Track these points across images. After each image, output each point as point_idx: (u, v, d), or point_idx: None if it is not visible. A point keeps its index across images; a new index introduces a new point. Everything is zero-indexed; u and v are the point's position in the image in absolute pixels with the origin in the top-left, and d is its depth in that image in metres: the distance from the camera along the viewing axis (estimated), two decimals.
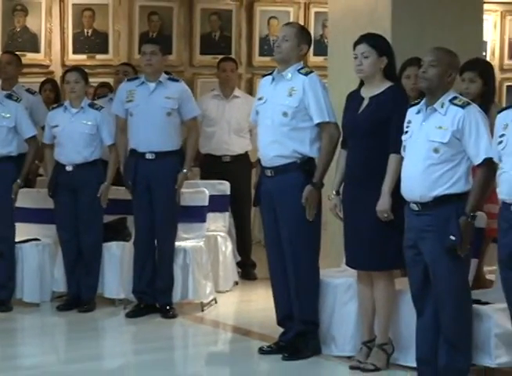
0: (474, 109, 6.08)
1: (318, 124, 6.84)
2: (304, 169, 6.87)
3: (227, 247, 9.10)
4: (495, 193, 6.04)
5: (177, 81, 8.35)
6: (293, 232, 6.87)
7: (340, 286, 6.96)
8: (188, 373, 7.19)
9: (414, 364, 6.35)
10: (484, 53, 12.25)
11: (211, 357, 7.46)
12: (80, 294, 8.35)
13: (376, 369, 6.57)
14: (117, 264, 8.41)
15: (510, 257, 5.74)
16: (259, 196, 7.17)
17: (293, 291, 6.95)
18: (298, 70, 6.94)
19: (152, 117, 8.03)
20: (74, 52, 10.88)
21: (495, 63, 12.96)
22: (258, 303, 8.50)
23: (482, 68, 6.90)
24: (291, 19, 11.24)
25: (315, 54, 11.47)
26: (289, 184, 6.87)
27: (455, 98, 6.11)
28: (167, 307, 8.16)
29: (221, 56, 10.31)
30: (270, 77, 7.07)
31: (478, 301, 6.30)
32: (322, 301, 6.98)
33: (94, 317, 8.23)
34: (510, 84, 12.40)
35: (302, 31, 7.09)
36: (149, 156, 8.06)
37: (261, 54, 11.79)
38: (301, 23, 11.27)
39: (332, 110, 6.88)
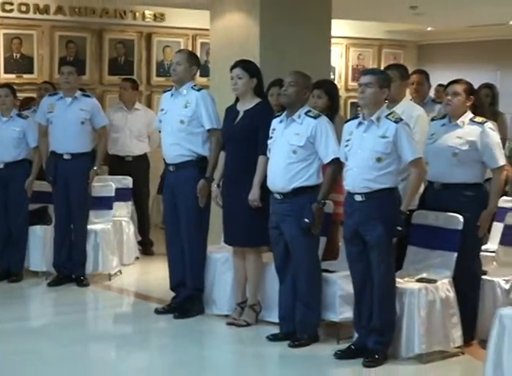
0: (324, 119, 6.17)
1: (208, 130, 6.84)
2: (199, 166, 6.85)
3: (130, 229, 9.01)
4: (339, 185, 6.15)
5: (89, 96, 8.24)
6: (188, 216, 6.85)
7: (220, 259, 6.96)
8: (98, 329, 7.10)
9: (277, 320, 6.43)
10: (332, 76, 12.41)
11: (117, 317, 7.38)
12: (9, 268, 8.17)
13: (248, 324, 6.61)
14: (40, 243, 8.26)
15: (352, 235, 5.84)
16: (163, 186, 7.20)
17: (187, 263, 6.93)
18: (192, 87, 6.91)
19: (68, 125, 7.90)
20: (5, 72, 10.62)
21: (342, 84, 13.14)
22: (155, 274, 8.45)
23: (328, 87, 6.94)
24: (182, 48, 11.17)
25: (200, 75, 11.38)
26: (186, 178, 6.84)
27: (309, 111, 6.20)
28: (82, 277, 8.05)
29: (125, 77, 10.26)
30: (170, 92, 7.04)
31: (327, 270, 6.37)
32: (206, 271, 6.98)
33: (21, 286, 8.06)
34: (353, 101, 12.57)
35: (191, 56, 7.08)
36: (66, 156, 7.93)
37: (158, 75, 11.70)
38: None
39: (218, 118, 6.87)
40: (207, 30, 9.22)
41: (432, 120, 6.39)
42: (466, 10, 11.03)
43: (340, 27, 11.89)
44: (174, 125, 6.85)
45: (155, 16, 11.65)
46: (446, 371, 5.78)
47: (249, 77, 6.59)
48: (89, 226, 8.18)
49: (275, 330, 6.38)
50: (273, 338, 6.30)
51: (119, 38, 11.50)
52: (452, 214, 5.97)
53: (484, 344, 5.49)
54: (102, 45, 11.35)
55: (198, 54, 11.60)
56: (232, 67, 6.67)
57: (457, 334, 5.96)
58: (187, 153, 6.84)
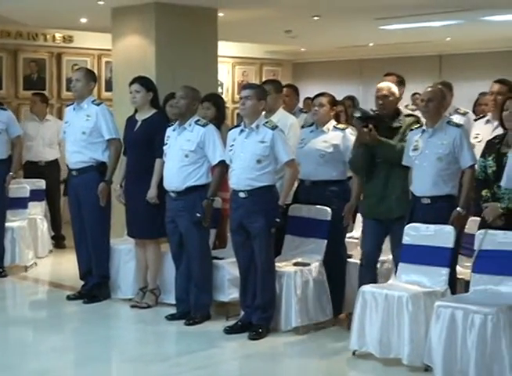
0: (211, 127, 6.17)
1: (107, 140, 6.75)
2: (99, 170, 6.75)
3: (44, 226, 8.85)
4: (226, 183, 6.15)
5: (5, 109, 8.01)
6: (91, 214, 6.75)
7: (124, 250, 6.90)
8: (17, 315, 6.90)
9: (174, 302, 6.40)
10: (220, 90, 12.44)
11: (33, 303, 7.24)
12: None
13: (149, 306, 6.58)
14: None
15: (237, 227, 5.85)
16: (68, 189, 7.08)
17: (92, 255, 6.84)
18: (92, 102, 6.81)
19: None
20: None
21: (229, 97, 13.16)
22: (67, 265, 8.26)
23: (215, 100, 6.89)
24: (89, 66, 11.00)
25: (106, 90, 11.38)
26: (88, 181, 6.73)
27: (198, 120, 6.19)
28: (0, 269, 7.82)
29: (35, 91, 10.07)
30: (72, 106, 6.91)
31: (217, 257, 6.38)
32: (111, 261, 6.90)
33: None
34: (238, 112, 12.61)
35: (89, 73, 6.97)
36: None
37: (67, 90, 11.34)
38: (96, 69, 11.13)
39: (116, 129, 6.79)
40: (110, 50, 9.12)
41: (302, 127, 6.46)
42: (334, 34, 11.21)
43: (227, 48, 11.92)
44: (77, 136, 6.75)
45: (64, 38, 11.43)
46: (319, 340, 5.83)
47: (146, 91, 6.55)
48: (7, 224, 7.95)
49: (173, 310, 6.35)
50: (171, 317, 6.26)
51: (32, 58, 11.25)
52: (321, 207, 6.05)
53: (350, 316, 5.59)
54: (17, 63, 11.08)
55: (103, 71, 11.60)
56: (131, 83, 6.62)
57: (328, 309, 6.06)
58: (88, 159, 6.74)
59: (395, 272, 5.58)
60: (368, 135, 5.61)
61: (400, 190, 5.67)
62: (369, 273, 5.72)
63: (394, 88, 5.86)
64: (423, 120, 5.68)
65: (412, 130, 5.67)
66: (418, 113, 6.44)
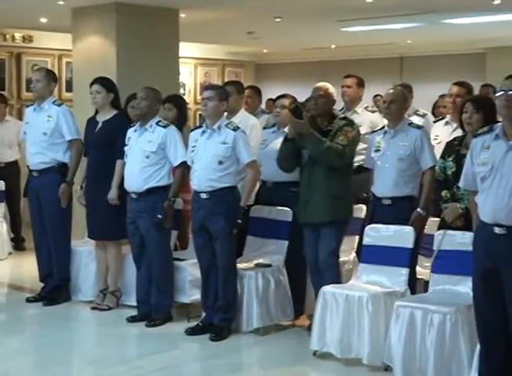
0: (172, 128, 6.16)
1: (69, 141, 6.69)
2: (60, 171, 6.70)
3: (3, 228, 8.77)
4: (188, 185, 6.14)
5: None
6: (52, 216, 6.69)
7: (84, 252, 6.85)
8: None
9: (135, 303, 6.38)
10: (183, 91, 12.42)
11: None
12: None
13: (110, 308, 6.55)
14: None
15: (199, 228, 5.84)
16: (28, 190, 7.01)
17: (53, 256, 6.77)
18: (53, 103, 6.75)
19: None
20: None
21: (191, 98, 13.17)
22: (27, 267, 8.17)
23: (177, 101, 6.86)
24: (49, 66, 10.91)
25: (66, 90, 11.29)
26: (49, 182, 6.67)
27: (159, 121, 6.17)
28: None
29: None
30: (32, 107, 6.84)
31: (178, 259, 6.36)
32: (71, 263, 6.84)
33: None
34: (200, 112, 12.60)
35: (49, 73, 6.90)
36: None
37: (27, 90, 11.24)
38: (56, 69, 11.04)
39: (77, 130, 6.74)
40: (70, 50, 9.05)
41: (264, 128, 6.47)
42: (296, 35, 11.25)
43: (188, 49, 11.93)
44: (37, 137, 6.69)
45: (24, 38, 11.32)
46: (281, 341, 5.85)
47: (106, 92, 6.52)
48: None
49: (134, 312, 6.32)
50: (132, 319, 6.24)
51: None
52: (283, 208, 6.07)
53: (311, 317, 5.62)
54: None
55: (64, 72, 11.51)
56: (92, 84, 6.59)
57: (289, 309, 6.08)
58: (49, 160, 6.68)
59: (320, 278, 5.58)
60: (299, 125, 5.47)
61: (324, 193, 5.52)
62: (318, 279, 5.66)
63: (332, 90, 5.77)
64: (385, 121, 5.74)
65: (373, 132, 5.72)
66: (378, 114, 6.51)
